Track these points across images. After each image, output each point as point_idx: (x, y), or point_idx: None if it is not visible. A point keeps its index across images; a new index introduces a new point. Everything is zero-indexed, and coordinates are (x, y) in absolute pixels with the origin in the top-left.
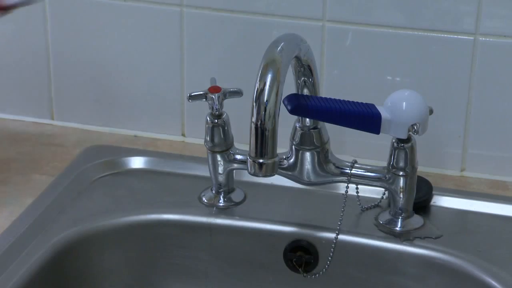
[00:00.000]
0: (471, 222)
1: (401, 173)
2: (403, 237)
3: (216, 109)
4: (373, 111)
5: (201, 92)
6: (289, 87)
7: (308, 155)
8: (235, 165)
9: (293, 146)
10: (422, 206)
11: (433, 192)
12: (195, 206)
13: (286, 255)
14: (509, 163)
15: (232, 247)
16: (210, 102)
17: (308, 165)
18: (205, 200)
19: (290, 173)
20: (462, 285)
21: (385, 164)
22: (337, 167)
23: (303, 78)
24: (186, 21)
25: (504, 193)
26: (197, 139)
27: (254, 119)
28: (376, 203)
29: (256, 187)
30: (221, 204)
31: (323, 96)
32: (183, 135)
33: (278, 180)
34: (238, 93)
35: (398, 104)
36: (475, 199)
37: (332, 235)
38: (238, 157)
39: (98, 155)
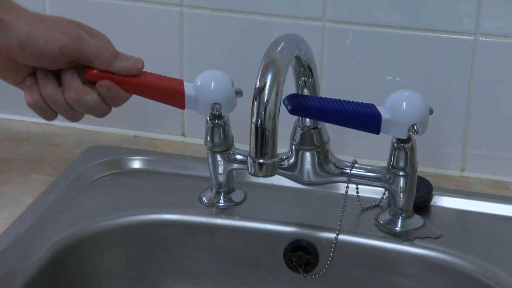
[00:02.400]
0: (471, 222)
1: (401, 173)
2: (403, 237)
3: (216, 109)
4: (373, 111)
5: None
6: (289, 87)
7: (308, 155)
8: (235, 165)
9: (293, 146)
10: (422, 206)
11: (433, 192)
12: (195, 206)
13: (286, 255)
14: (509, 163)
15: (232, 247)
16: None
17: (308, 165)
18: (205, 200)
19: (290, 173)
20: (462, 285)
21: (385, 164)
22: (337, 167)
23: (303, 78)
24: (186, 21)
25: (504, 193)
26: (197, 139)
27: (254, 119)
28: (376, 203)
29: (256, 187)
30: (221, 204)
31: (323, 96)
32: (183, 135)
33: (278, 180)
34: (238, 93)
35: (398, 104)
36: (475, 199)
37: (332, 235)
38: (238, 157)
39: (98, 155)
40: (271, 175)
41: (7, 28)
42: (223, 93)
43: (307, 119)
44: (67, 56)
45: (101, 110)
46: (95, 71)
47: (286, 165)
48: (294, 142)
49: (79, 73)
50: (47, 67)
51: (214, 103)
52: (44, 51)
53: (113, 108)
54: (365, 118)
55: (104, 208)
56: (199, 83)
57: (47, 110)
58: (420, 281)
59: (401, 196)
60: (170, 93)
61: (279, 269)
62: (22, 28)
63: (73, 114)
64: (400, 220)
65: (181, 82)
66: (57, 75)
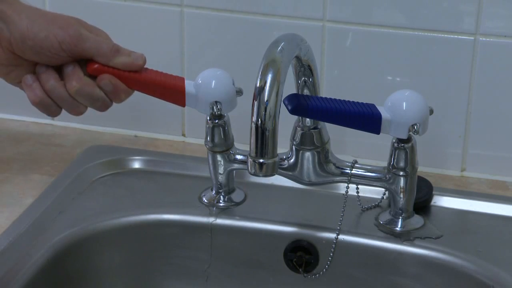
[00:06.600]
0: (471, 222)
1: (401, 173)
2: (403, 237)
3: (218, 108)
4: (373, 111)
5: None
6: (289, 87)
7: (308, 155)
8: (236, 165)
9: (293, 146)
10: (422, 206)
11: (433, 192)
12: (195, 206)
13: (286, 255)
14: (509, 163)
15: (232, 247)
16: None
17: (308, 165)
18: (205, 200)
19: (290, 173)
20: (462, 285)
21: (385, 164)
22: (338, 167)
23: (303, 78)
24: (186, 21)
25: (504, 193)
26: (197, 139)
27: (254, 119)
28: (377, 203)
29: (256, 187)
30: (221, 204)
31: (323, 96)
32: (183, 135)
33: (278, 180)
34: (238, 92)
35: (398, 104)
36: (475, 199)
37: (332, 235)
38: (239, 157)
39: (98, 155)
40: (271, 175)
41: (9, 21)
42: (223, 92)
43: (307, 119)
44: (67, 52)
45: (102, 102)
46: (96, 65)
47: (286, 165)
48: (294, 142)
49: (80, 66)
50: (48, 62)
51: (215, 102)
52: (44, 45)
53: (113, 108)
54: (365, 118)
55: (104, 208)
56: (200, 81)
57: (51, 106)
58: (420, 281)
59: (401, 196)
60: (171, 90)
61: (279, 269)
62: (23, 21)
63: (76, 107)
64: (400, 220)
65: (182, 79)
66: (57, 70)
